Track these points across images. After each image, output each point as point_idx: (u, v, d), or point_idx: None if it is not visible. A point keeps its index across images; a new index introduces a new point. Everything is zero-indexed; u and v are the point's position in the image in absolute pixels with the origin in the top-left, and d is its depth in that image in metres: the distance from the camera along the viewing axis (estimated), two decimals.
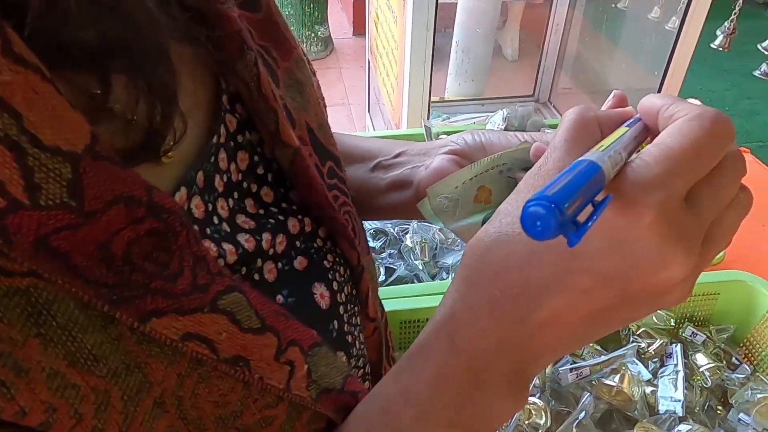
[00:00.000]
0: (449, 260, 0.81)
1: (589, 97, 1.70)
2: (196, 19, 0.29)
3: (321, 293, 0.33)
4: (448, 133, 1.04)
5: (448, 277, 0.82)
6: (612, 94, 0.38)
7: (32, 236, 0.18)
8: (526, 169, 0.41)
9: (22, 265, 0.18)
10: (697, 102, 0.30)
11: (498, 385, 0.29)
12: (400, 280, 0.82)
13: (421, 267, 0.81)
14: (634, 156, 0.28)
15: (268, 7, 0.36)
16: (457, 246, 0.84)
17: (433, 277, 0.84)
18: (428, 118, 1.20)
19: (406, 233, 0.86)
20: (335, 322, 0.34)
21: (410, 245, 0.82)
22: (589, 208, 0.24)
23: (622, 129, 0.31)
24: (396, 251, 0.85)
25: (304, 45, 3.36)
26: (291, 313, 0.29)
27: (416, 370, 0.31)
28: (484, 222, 0.42)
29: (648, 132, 0.31)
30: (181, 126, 0.26)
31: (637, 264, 0.26)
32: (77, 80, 0.21)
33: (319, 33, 3.44)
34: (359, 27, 3.50)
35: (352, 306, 0.37)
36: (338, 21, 3.87)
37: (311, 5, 3.30)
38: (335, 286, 0.35)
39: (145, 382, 0.22)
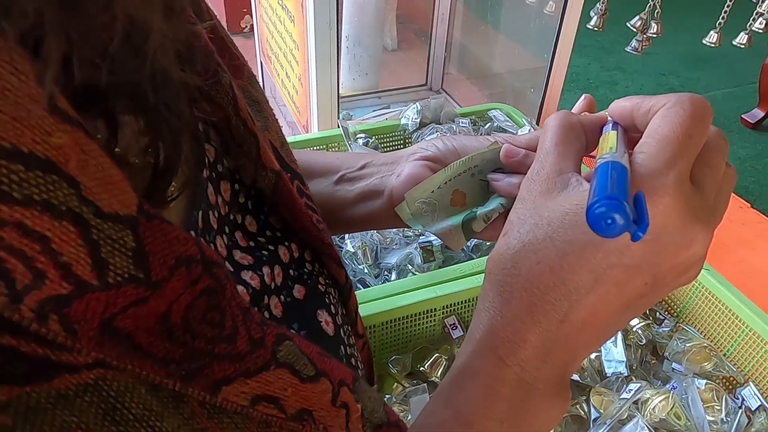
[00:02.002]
0: (393, 260, 0.81)
1: (479, 83, 1.78)
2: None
3: (325, 320, 0.32)
4: (365, 132, 1.03)
5: (391, 276, 0.82)
6: (582, 97, 0.40)
7: (98, 320, 0.16)
8: (497, 170, 0.42)
9: (88, 356, 0.15)
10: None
11: (546, 392, 0.30)
12: None
13: (366, 271, 0.80)
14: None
15: (213, 25, 0.33)
16: (396, 245, 0.84)
17: (376, 278, 0.83)
18: (338, 118, 1.19)
19: (343, 239, 0.84)
20: (341, 347, 0.34)
21: (352, 250, 0.81)
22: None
23: (612, 132, 0.32)
24: None
25: None
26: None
27: (466, 391, 0.30)
28: (464, 223, 0.42)
29: (626, 133, 0.33)
30: (185, 167, 0.24)
31: (664, 249, 0.27)
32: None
33: None
34: (234, 26, 3.37)
35: (347, 327, 0.36)
36: None
37: None
38: (332, 309, 0.34)
39: None
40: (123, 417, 0.16)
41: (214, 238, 0.27)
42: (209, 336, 0.19)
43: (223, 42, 0.34)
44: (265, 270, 0.29)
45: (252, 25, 1.81)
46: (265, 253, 0.31)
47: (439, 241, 0.82)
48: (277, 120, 0.38)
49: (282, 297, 0.30)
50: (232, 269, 0.27)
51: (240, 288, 0.26)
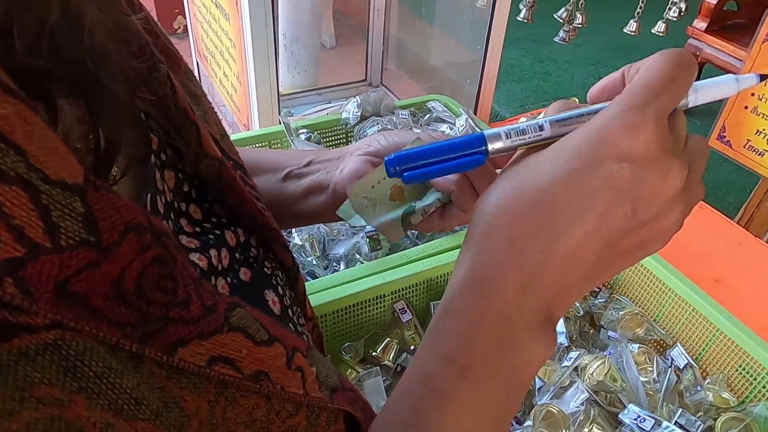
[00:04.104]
0: (340, 250, 0.82)
1: (417, 76, 1.81)
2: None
3: (272, 299, 0.34)
4: (307, 127, 1.04)
5: (339, 266, 0.84)
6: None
7: (53, 283, 0.16)
8: None
9: (45, 318, 0.16)
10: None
11: (530, 329, 0.30)
12: None
13: (315, 262, 0.81)
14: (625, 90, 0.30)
15: (146, 18, 0.34)
16: (343, 236, 0.86)
17: (325, 269, 0.84)
18: (279, 115, 1.19)
19: (290, 232, 0.85)
20: (290, 325, 0.35)
21: (299, 243, 0.82)
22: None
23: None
24: None
25: None
26: None
27: (448, 331, 0.31)
28: (403, 216, 0.45)
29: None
30: (128, 149, 0.25)
31: (642, 175, 0.28)
32: None
33: None
34: (167, 27, 3.29)
35: (295, 308, 0.38)
36: None
37: None
38: (280, 290, 0.35)
39: (184, 416, 0.21)
40: (84, 374, 0.17)
41: (162, 221, 0.28)
42: (163, 302, 0.20)
43: (158, 37, 0.34)
44: (213, 252, 0.30)
45: (185, 26, 1.78)
46: (212, 237, 0.32)
47: None
48: (216, 113, 0.39)
49: (228, 279, 0.31)
50: None
51: None
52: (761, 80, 0.34)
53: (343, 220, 0.46)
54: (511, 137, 0.32)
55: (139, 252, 0.19)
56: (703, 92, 0.33)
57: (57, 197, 0.16)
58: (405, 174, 0.34)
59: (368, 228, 0.84)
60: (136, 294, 0.19)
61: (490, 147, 0.33)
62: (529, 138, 0.32)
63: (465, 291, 0.31)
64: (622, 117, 0.28)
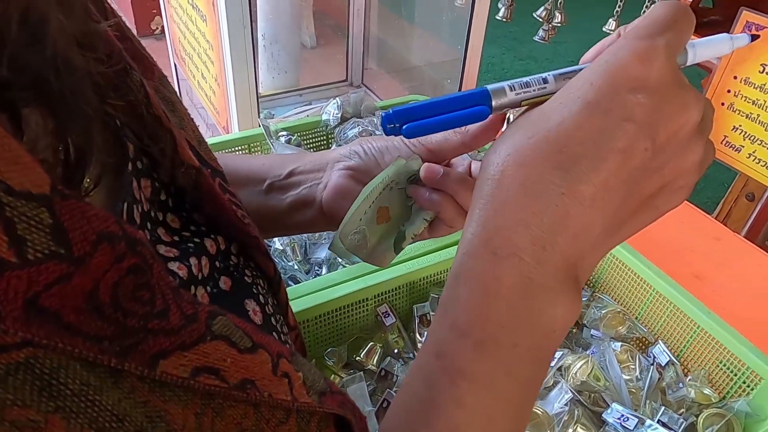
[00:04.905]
0: (322, 254, 0.82)
1: (398, 76, 1.81)
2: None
3: (253, 309, 0.33)
4: (287, 130, 1.03)
5: (321, 271, 0.83)
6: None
7: (21, 300, 0.15)
8: (411, 179, 0.44)
9: (15, 336, 0.15)
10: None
11: (550, 290, 0.27)
12: None
13: (296, 267, 0.80)
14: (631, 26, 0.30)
15: (118, 24, 0.33)
16: (325, 240, 0.85)
17: (307, 273, 0.84)
18: (259, 117, 1.18)
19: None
20: (273, 334, 0.34)
21: (281, 248, 0.81)
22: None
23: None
24: None
25: None
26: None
27: (460, 298, 0.28)
28: (395, 243, 0.44)
29: None
30: (99, 156, 0.24)
31: (660, 105, 0.27)
32: None
33: None
34: (144, 28, 3.25)
35: (279, 316, 0.37)
36: None
37: None
38: (261, 299, 0.34)
39: (170, 431, 0.20)
40: (60, 392, 0.16)
41: (137, 231, 0.27)
42: (140, 313, 0.19)
43: (131, 43, 0.33)
44: (192, 261, 0.30)
45: (163, 27, 1.75)
46: (191, 245, 0.31)
47: None
48: (192, 120, 0.38)
49: (208, 288, 0.30)
50: None
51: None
52: (752, 40, 0.34)
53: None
54: (515, 89, 0.32)
55: (113, 262, 0.18)
56: (700, 49, 0.33)
57: (22, 209, 0.16)
58: (404, 127, 0.32)
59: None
60: (112, 306, 0.18)
61: (495, 102, 0.32)
62: (533, 91, 0.31)
63: (476, 251, 0.28)
64: (632, 46, 0.27)
